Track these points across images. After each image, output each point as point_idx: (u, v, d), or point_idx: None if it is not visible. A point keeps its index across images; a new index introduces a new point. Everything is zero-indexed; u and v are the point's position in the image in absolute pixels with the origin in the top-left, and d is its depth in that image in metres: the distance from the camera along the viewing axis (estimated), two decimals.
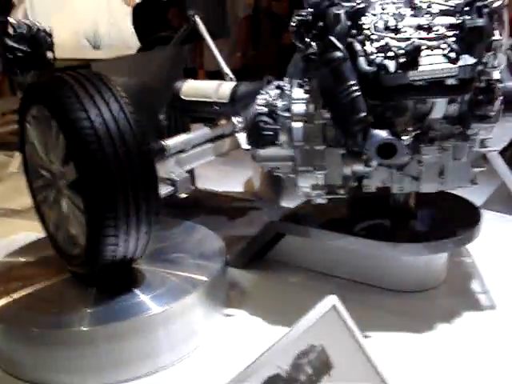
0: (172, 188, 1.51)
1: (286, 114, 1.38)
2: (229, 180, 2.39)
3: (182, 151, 1.63)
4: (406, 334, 1.37)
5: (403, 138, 1.27)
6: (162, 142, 1.58)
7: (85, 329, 1.29)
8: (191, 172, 1.98)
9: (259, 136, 1.41)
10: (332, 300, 1.06)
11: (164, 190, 1.49)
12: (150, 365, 1.34)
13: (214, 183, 2.31)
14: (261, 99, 1.43)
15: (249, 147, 1.52)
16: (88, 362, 1.30)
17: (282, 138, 1.39)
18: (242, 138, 1.67)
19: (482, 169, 1.36)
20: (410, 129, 1.29)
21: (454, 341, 1.35)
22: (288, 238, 1.65)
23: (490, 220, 1.62)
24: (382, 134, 1.24)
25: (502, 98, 1.28)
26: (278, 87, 1.44)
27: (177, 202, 1.65)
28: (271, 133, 1.39)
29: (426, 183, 1.37)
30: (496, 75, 1.28)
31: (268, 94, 1.43)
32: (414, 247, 1.44)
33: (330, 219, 1.59)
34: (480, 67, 1.24)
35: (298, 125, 1.36)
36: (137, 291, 1.40)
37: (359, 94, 1.23)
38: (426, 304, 1.48)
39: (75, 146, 1.26)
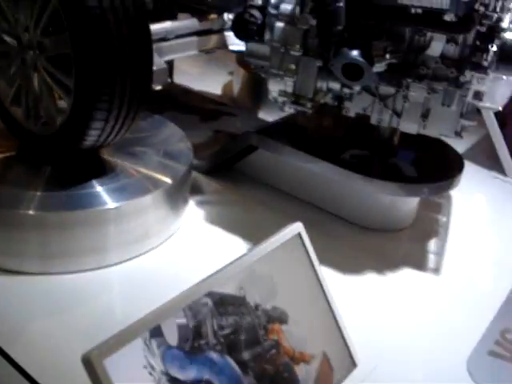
0: None
1: (274, 12, 1.33)
2: (208, 80, 2.26)
3: (163, 39, 1.49)
4: (363, 270, 1.34)
5: (376, 64, 1.21)
6: None
7: (32, 212, 1.20)
8: (170, 64, 1.86)
9: (244, 28, 1.36)
10: (298, 227, 1.01)
11: None
12: (97, 260, 1.28)
13: (192, 80, 2.18)
14: None
15: (235, 48, 1.47)
16: (33, 248, 1.23)
17: (266, 35, 1.35)
18: (230, 37, 1.58)
19: (472, 123, 1.29)
20: (387, 56, 1.23)
21: (407, 285, 1.33)
22: (261, 153, 1.56)
23: (469, 172, 1.56)
24: (352, 53, 1.19)
25: (499, 49, 1.20)
26: None
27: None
28: (255, 27, 1.35)
29: (407, 122, 1.30)
30: (505, 23, 1.20)
31: None
32: (389, 186, 1.37)
33: (308, 140, 1.50)
34: (481, 8, 1.16)
35: (280, 24, 1.32)
36: (94, 182, 1.30)
37: (342, 5, 1.19)
38: (389, 245, 1.44)
39: (74, 16, 1.12)
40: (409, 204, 1.49)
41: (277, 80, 1.37)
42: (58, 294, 1.19)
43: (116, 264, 1.29)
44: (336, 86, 1.33)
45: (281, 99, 1.37)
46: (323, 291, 1.01)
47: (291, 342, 0.96)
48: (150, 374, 0.82)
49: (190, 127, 1.66)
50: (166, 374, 0.83)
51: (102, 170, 1.36)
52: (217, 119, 1.89)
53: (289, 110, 1.38)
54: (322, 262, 1.30)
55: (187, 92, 2.09)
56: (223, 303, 0.91)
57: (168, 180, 1.37)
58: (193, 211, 1.50)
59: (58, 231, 1.23)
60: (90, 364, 0.69)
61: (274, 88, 1.38)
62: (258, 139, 1.51)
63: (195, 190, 1.57)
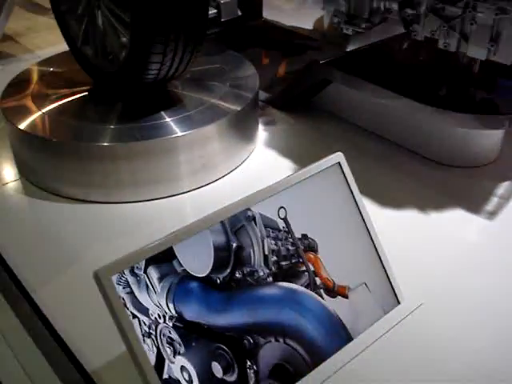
0: (214, 11, 1.39)
1: None
2: (299, 15, 2.20)
3: None
4: (426, 205, 1.26)
5: None
6: None
7: (105, 144, 1.26)
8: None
9: None
10: (337, 157, 0.97)
11: None
12: (169, 188, 1.32)
13: (283, 16, 2.14)
14: None
15: None
16: (107, 179, 1.29)
17: None
18: None
19: None
20: None
21: (472, 225, 1.22)
22: (334, 86, 1.51)
23: None
24: None
25: None
26: None
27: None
28: None
29: (475, 46, 1.18)
30: None
31: None
32: (465, 118, 1.27)
33: (385, 73, 1.43)
34: None
35: None
36: (163, 113, 1.34)
37: None
38: (463, 181, 1.33)
39: None
40: (490, 138, 1.37)
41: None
42: (125, 221, 1.25)
43: (185, 192, 1.34)
44: (394, 5, 1.25)
45: (335, 19, 1.32)
46: (364, 223, 0.97)
47: (329, 273, 0.95)
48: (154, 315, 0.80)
49: (271, 62, 1.65)
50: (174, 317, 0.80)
51: (170, 103, 1.39)
52: (300, 54, 1.84)
53: (346, 31, 1.32)
54: (386, 195, 1.26)
55: (276, 27, 2.06)
56: (266, 225, 0.90)
57: (234, 108, 1.38)
58: (262, 141, 1.50)
59: (128, 161, 1.28)
60: (98, 280, 0.73)
61: (329, 8, 1.34)
62: (329, 72, 1.46)
63: (267, 122, 1.56)
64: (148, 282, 0.80)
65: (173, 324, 0.81)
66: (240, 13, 1.43)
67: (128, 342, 0.73)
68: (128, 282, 0.77)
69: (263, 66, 1.74)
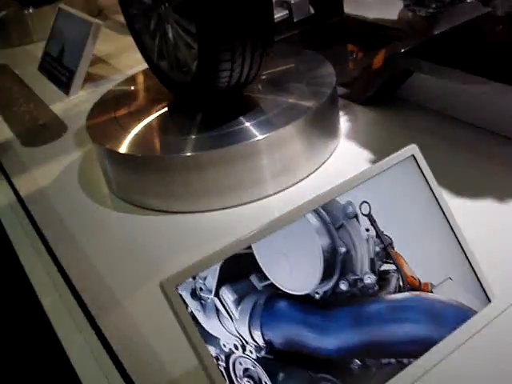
0: (286, 12, 1.38)
1: None
2: (382, 7, 2.13)
3: None
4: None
5: None
6: None
7: (189, 154, 1.28)
8: None
9: None
10: (411, 149, 0.93)
11: (276, 14, 1.36)
12: (253, 193, 1.33)
13: (365, 9, 2.08)
14: None
15: None
16: (193, 188, 1.31)
17: None
18: None
19: None
20: None
21: None
22: (416, 76, 1.44)
23: None
24: None
25: None
26: None
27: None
28: None
29: None
30: None
31: None
32: None
33: (468, 56, 1.35)
34: None
35: None
36: (242, 118, 1.35)
37: None
38: None
39: None
40: None
41: None
42: (211, 229, 1.27)
43: (270, 196, 1.33)
44: None
45: (405, 2, 1.25)
46: (445, 217, 0.92)
47: (413, 271, 0.90)
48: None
49: (353, 58, 1.61)
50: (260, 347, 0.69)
51: (248, 107, 1.39)
52: (382, 46, 1.78)
53: (419, 13, 1.25)
54: (476, 188, 1.18)
55: (358, 21, 2.01)
56: None
57: (312, 105, 1.35)
58: (345, 138, 1.47)
59: (211, 169, 1.29)
60: (164, 291, 0.71)
61: None
62: (410, 62, 1.40)
63: (349, 118, 1.52)
64: (220, 306, 0.71)
65: (260, 356, 0.70)
66: (313, 11, 1.41)
67: (200, 357, 0.70)
68: (188, 307, 0.69)
69: (342, 63, 1.70)
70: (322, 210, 0.83)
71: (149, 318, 1.04)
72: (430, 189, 0.92)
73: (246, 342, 0.69)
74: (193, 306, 0.68)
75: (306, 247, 0.77)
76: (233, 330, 0.69)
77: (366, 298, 0.79)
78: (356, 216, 0.86)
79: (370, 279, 0.82)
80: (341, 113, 1.51)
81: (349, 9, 2.04)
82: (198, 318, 0.68)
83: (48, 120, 1.88)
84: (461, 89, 1.33)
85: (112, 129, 1.42)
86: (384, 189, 0.90)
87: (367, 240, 0.85)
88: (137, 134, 1.38)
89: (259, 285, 0.72)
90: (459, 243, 0.92)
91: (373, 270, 0.84)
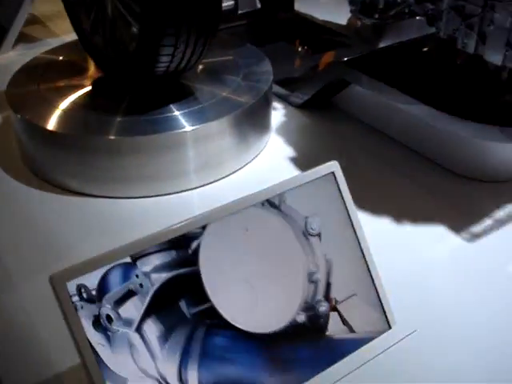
0: (232, 2, 1.34)
1: None
2: (334, 8, 2.12)
3: None
4: (433, 220, 1.18)
5: None
6: None
7: (112, 137, 1.23)
8: None
9: None
10: (332, 166, 0.91)
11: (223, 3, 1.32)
12: (176, 184, 1.29)
13: (316, 9, 2.07)
14: None
15: None
16: (113, 173, 1.27)
17: None
18: None
19: None
20: None
21: (481, 248, 1.11)
22: (352, 87, 1.44)
23: None
24: None
25: None
26: None
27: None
28: None
29: (491, 50, 1.09)
30: None
31: None
32: (491, 131, 1.19)
33: (406, 75, 1.35)
34: None
35: None
36: (172, 106, 1.31)
37: None
38: (485, 195, 1.24)
39: None
40: None
41: None
42: (129, 216, 1.22)
43: (193, 189, 1.30)
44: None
45: (351, 7, 1.26)
46: (357, 237, 0.91)
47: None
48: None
49: (294, 58, 1.59)
50: None
51: (180, 95, 1.35)
52: (328, 51, 1.78)
53: (364, 21, 1.26)
54: (392, 206, 1.18)
55: (307, 21, 1.99)
56: None
57: (246, 101, 1.33)
58: (274, 141, 1.45)
59: (134, 155, 1.25)
60: (53, 285, 0.67)
61: None
62: (347, 72, 1.39)
63: (281, 120, 1.51)
64: (136, 340, 0.58)
65: None
66: (259, 5, 1.38)
67: (80, 352, 0.68)
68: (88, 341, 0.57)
69: (284, 61, 1.68)
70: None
71: (38, 309, 0.98)
72: (346, 208, 0.91)
73: None
74: (96, 338, 0.57)
75: None
76: (152, 370, 0.56)
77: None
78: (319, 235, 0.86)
79: (324, 307, 0.83)
80: (274, 112, 1.50)
81: (299, 7, 2.02)
82: (100, 353, 0.56)
83: None
84: (395, 107, 1.33)
85: (33, 100, 1.34)
86: (300, 202, 0.89)
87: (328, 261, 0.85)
88: (60, 109, 1.31)
89: (198, 309, 0.61)
90: (367, 265, 0.91)
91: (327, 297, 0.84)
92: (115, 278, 0.67)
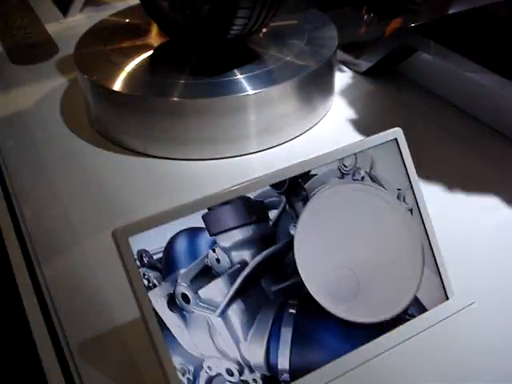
0: None
1: None
2: None
3: None
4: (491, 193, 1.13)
5: None
6: None
7: (174, 99, 1.24)
8: None
9: None
10: (395, 133, 0.90)
11: None
12: (236, 148, 1.29)
13: None
14: None
15: None
16: (173, 135, 1.28)
17: None
18: None
19: None
20: None
21: None
22: (419, 54, 1.40)
23: None
24: None
25: None
26: None
27: None
28: None
29: None
30: None
31: None
32: None
33: (476, 43, 1.30)
34: None
35: None
36: (236, 70, 1.30)
37: None
38: None
39: None
40: None
41: None
42: (188, 178, 1.24)
43: (253, 153, 1.30)
44: None
45: None
46: (418, 207, 0.90)
47: None
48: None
49: (360, 24, 1.55)
50: None
51: (244, 59, 1.34)
52: (395, 17, 1.72)
53: None
54: (455, 178, 1.15)
55: None
56: None
57: (309, 66, 1.31)
58: (337, 107, 1.43)
59: (196, 118, 1.25)
60: (115, 239, 0.69)
61: None
62: (413, 38, 1.34)
63: (345, 86, 1.49)
64: (220, 324, 0.54)
65: None
66: None
67: (141, 309, 0.66)
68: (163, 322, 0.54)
69: (350, 27, 1.64)
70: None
71: (101, 265, 1.01)
72: (408, 176, 0.89)
73: (251, 371, 0.53)
74: (172, 319, 0.52)
75: None
76: (234, 352, 0.52)
77: None
78: None
79: None
80: (337, 78, 1.47)
81: None
82: (175, 334, 0.52)
83: (40, 39, 1.82)
84: (463, 76, 1.28)
85: (99, 61, 1.37)
86: (388, 172, 0.87)
87: None
88: (124, 70, 1.33)
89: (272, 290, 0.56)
90: (427, 235, 0.90)
91: None
92: (182, 244, 0.65)
